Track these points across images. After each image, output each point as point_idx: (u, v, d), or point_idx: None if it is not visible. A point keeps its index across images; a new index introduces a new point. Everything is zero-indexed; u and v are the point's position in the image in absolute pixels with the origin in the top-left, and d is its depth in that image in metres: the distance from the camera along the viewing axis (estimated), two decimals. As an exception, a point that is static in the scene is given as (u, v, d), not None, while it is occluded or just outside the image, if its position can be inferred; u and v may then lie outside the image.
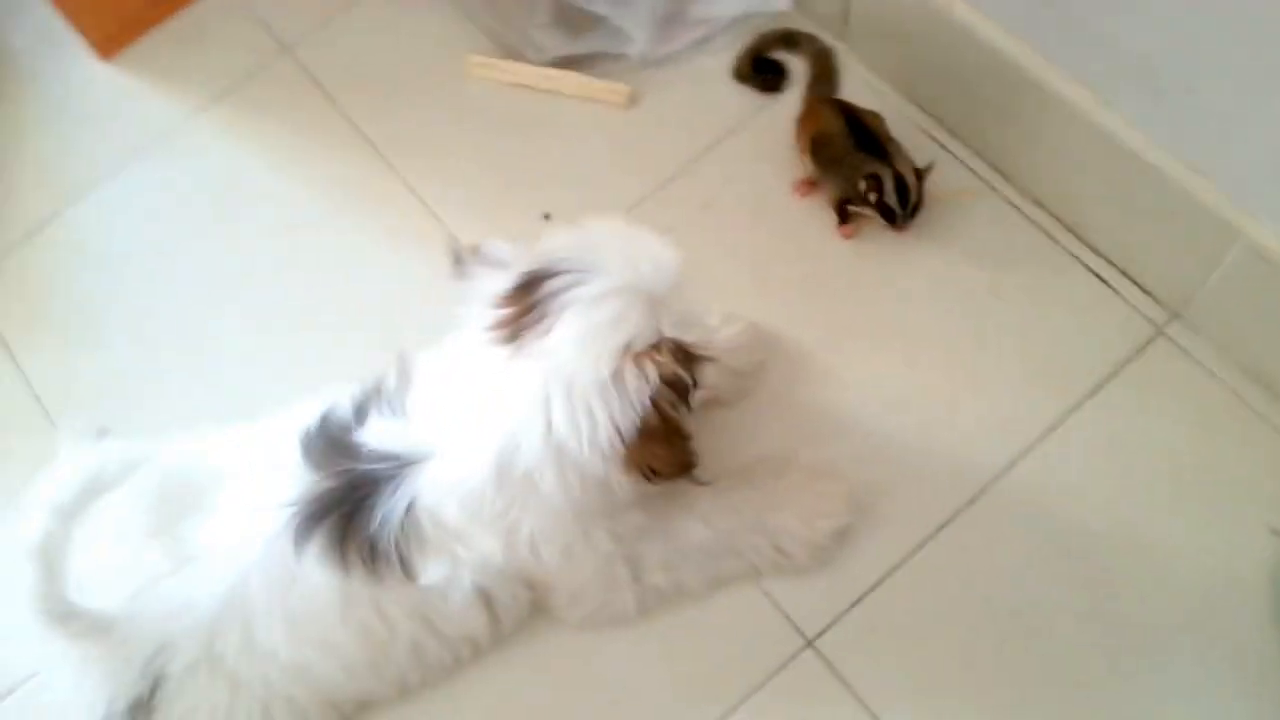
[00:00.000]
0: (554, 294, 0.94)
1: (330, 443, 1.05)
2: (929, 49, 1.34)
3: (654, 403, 0.95)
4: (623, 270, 0.95)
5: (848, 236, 1.35)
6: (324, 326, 1.41)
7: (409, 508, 1.00)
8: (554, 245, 0.99)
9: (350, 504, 1.01)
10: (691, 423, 1.04)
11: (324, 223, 1.49)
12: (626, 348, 0.94)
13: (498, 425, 0.96)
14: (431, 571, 1.02)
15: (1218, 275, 1.17)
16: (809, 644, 1.15)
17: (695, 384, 1.01)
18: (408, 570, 1.01)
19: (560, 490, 0.97)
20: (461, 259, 1.03)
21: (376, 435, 1.04)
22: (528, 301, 0.95)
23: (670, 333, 0.97)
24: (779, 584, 1.17)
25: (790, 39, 1.47)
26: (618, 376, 0.93)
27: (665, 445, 0.99)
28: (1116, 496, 1.18)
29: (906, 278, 1.32)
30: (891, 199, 1.26)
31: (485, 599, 1.07)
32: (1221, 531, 1.15)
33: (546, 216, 1.42)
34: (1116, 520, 1.17)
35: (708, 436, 1.22)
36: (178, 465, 1.11)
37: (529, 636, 1.16)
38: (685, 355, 0.98)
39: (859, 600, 1.16)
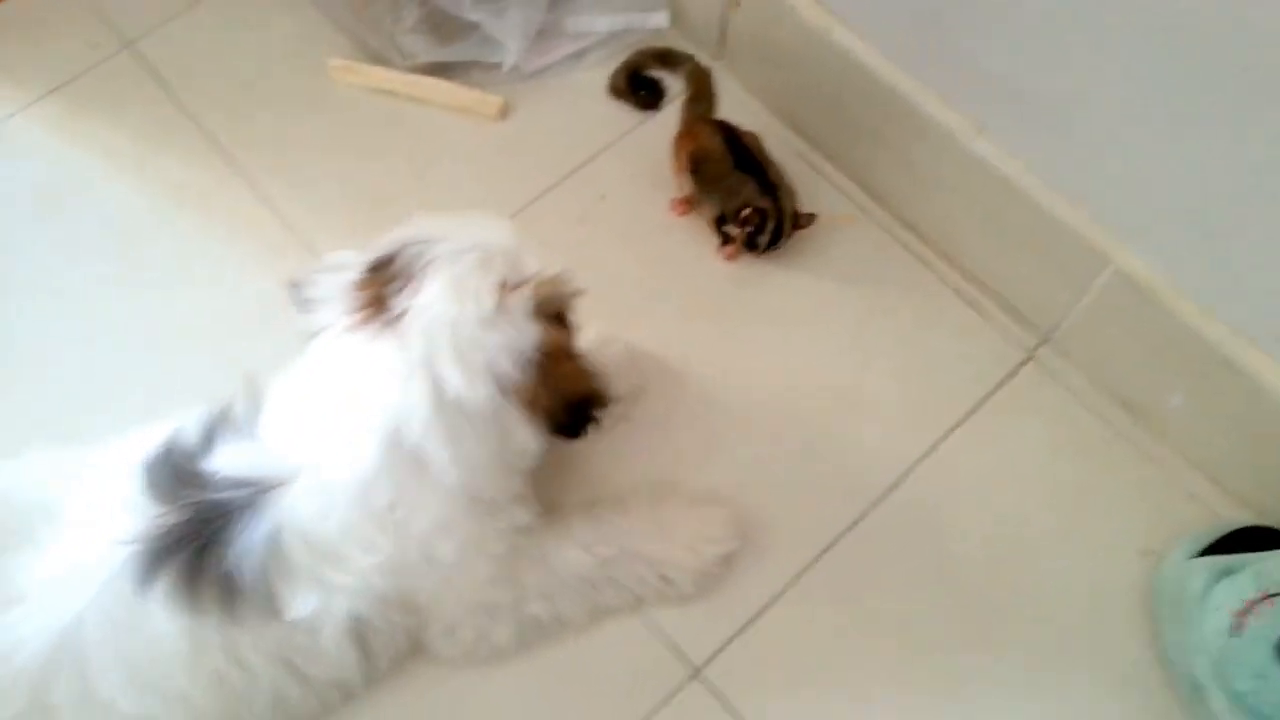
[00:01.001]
0: (413, 259, 0.91)
1: (175, 472, 0.95)
2: (806, 71, 1.34)
3: (544, 328, 0.93)
4: (469, 235, 0.93)
5: (729, 258, 1.33)
6: (161, 345, 1.29)
7: (272, 534, 0.91)
8: (392, 234, 0.95)
9: (201, 539, 0.91)
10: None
11: (164, 232, 1.37)
12: (502, 283, 0.91)
13: (376, 408, 0.90)
14: (300, 602, 0.92)
15: (1087, 301, 1.19)
16: (696, 674, 1.10)
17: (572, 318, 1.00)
18: (271, 605, 0.92)
19: (453, 464, 0.91)
20: (298, 283, 0.97)
21: (228, 462, 0.94)
22: (386, 274, 0.91)
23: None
24: (663, 613, 1.13)
25: (667, 57, 1.45)
26: (501, 308, 0.90)
27: (570, 362, 0.96)
28: (994, 519, 1.19)
29: (783, 301, 1.31)
30: (764, 238, 1.27)
31: (358, 634, 0.99)
32: (1094, 554, 1.17)
33: (411, 229, 1.35)
34: (995, 543, 1.18)
35: (584, 463, 1.18)
36: None
37: (403, 679, 1.08)
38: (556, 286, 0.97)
39: (745, 627, 1.13)
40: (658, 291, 1.32)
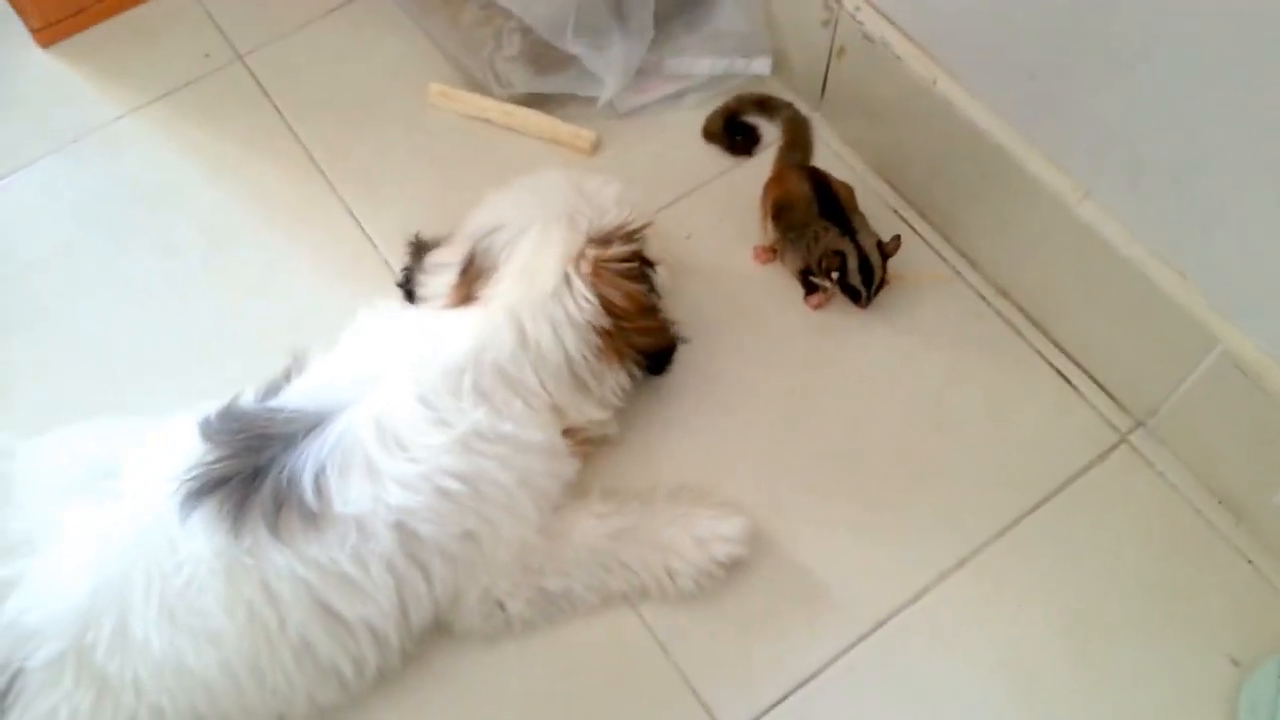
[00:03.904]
0: (485, 253, 1.07)
1: (233, 418, 0.99)
2: (906, 124, 1.29)
3: (610, 293, 1.05)
4: (530, 210, 1.08)
5: (815, 308, 1.28)
6: (236, 343, 1.30)
7: (339, 435, 0.95)
8: (471, 221, 1.13)
9: (256, 463, 0.94)
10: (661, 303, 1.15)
11: (251, 237, 1.39)
12: (566, 254, 1.04)
13: (461, 339, 1.02)
14: (355, 493, 0.94)
15: (1190, 383, 1.11)
16: None
17: (648, 262, 1.12)
18: (320, 510, 0.93)
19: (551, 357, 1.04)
20: (403, 283, 1.16)
21: (296, 397, 0.99)
22: (472, 273, 1.07)
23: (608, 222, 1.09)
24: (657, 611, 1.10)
25: (766, 104, 1.42)
26: (564, 285, 1.04)
27: (641, 319, 1.08)
28: (1070, 609, 1.10)
29: (863, 358, 1.25)
30: (855, 279, 1.21)
31: (398, 576, 0.97)
32: (1179, 658, 1.07)
33: (491, 255, 1.34)
34: (1069, 636, 1.08)
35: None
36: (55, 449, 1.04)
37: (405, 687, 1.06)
38: (628, 239, 1.10)
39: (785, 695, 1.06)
40: (735, 337, 1.27)
